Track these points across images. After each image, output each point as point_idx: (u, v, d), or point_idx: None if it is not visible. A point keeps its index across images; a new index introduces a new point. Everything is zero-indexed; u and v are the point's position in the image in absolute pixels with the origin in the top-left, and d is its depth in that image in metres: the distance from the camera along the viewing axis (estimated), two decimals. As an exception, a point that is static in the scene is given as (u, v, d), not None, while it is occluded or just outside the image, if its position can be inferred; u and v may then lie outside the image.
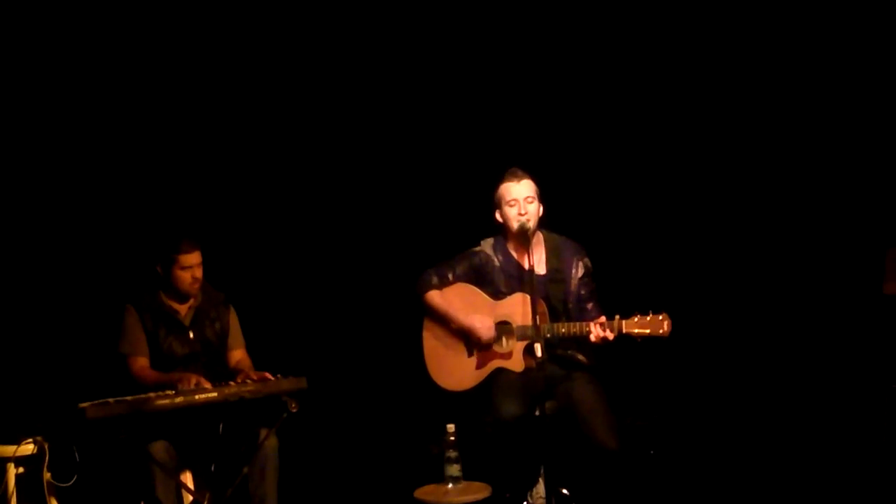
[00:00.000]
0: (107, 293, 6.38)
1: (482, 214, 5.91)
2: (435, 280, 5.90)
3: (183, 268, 5.85)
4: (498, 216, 5.84)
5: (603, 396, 5.65)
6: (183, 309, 5.96)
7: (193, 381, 5.63)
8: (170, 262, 5.85)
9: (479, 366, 5.84)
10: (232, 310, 6.10)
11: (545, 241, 5.87)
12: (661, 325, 5.48)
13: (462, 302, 5.88)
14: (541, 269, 5.80)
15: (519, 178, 5.76)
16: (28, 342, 6.48)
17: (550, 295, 5.77)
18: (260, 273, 6.89)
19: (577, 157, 6.98)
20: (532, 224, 5.74)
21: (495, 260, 5.85)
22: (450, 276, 5.90)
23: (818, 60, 6.76)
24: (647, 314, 5.50)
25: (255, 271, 6.86)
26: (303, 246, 7.04)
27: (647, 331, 5.48)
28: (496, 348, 5.81)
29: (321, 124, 7.07)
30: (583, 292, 5.82)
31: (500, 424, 5.60)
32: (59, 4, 6.56)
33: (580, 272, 5.84)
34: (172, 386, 5.59)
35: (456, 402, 5.87)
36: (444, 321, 5.89)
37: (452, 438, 5.49)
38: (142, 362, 5.84)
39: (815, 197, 6.79)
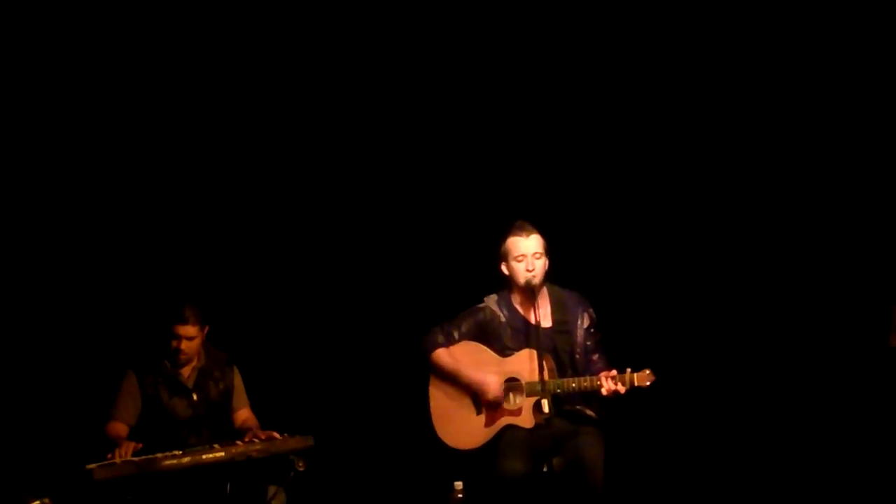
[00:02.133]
0: (115, 355, 6.37)
1: (486, 268, 5.93)
2: (441, 339, 5.87)
3: (173, 336, 5.88)
4: (503, 269, 5.84)
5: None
6: (186, 371, 5.97)
7: (123, 450, 5.56)
8: (167, 328, 5.88)
9: (489, 423, 5.80)
10: (235, 369, 6.11)
11: (549, 293, 5.88)
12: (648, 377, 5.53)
13: (470, 359, 5.86)
14: (546, 322, 5.81)
15: (528, 233, 5.77)
16: (35, 404, 6.49)
17: (557, 347, 5.77)
18: (265, 332, 6.88)
19: (579, 209, 6.97)
20: (538, 280, 5.74)
21: (501, 315, 5.85)
22: (455, 335, 5.88)
23: (824, 106, 6.76)
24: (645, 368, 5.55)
25: (260, 330, 6.85)
26: (308, 303, 7.02)
27: (647, 383, 5.53)
28: (505, 405, 5.78)
29: (324, 177, 7.07)
30: (588, 343, 5.83)
31: (502, 483, 5.59)
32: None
33: (586, 323, 5.85)
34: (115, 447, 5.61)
35: (464, 459, 5.84)
36: (452, 379, 5.85)
37: (460, 496, 5.47)
38: (118, 427, 5.86)
39: (822, 249, 6.78)
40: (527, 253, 5.75)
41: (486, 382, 5.76)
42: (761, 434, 6.76)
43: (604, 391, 5.54)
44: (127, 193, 6.83)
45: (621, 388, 5.53)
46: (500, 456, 5.65)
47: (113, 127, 6.79)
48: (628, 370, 5.55)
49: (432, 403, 5.92)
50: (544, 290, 5.85)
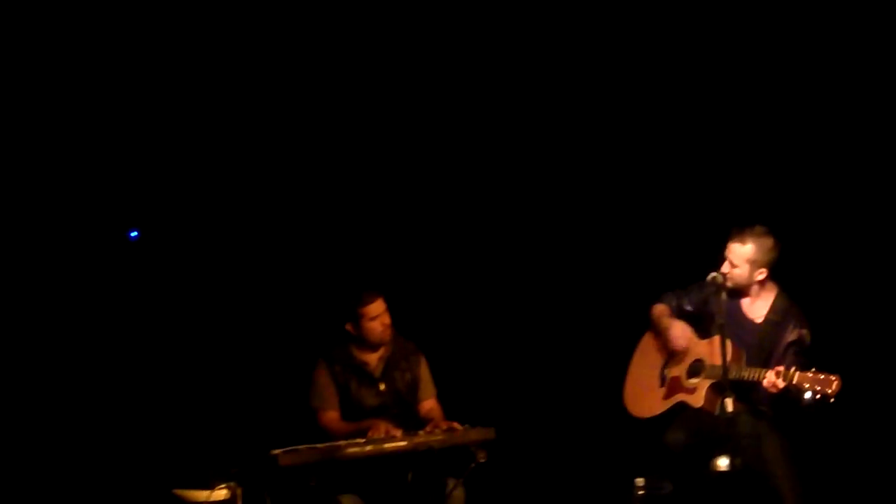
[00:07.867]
0: (300, 345, 6.51)
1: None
2: (673, 301, 6.01)
3: (371, 318, 5.94)
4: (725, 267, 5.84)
5: (793, 459, 5.60)
6: (373, 360, 6.04)
7: (383, 428, 5.69)
8: (357, 317, 5.95)
9: (666, 396, 5.89)
10: (423, 359, 6.15)
11: (776, 296, 5.85)
12: (829, 384, 5.35)
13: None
14: (759, 316, 5.81)
15: (744, 241, 5.76)
16: (223, 390, 6.68)
17: (756, 343, 5.73)
18: (449, 321, 6.91)
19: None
20: (732, 283, 5.72)
21: (723, 294, 5.79)
22: (685, 301, 5.99)
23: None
24: (821, 372, 5.39)
25: (444, 319, 6.89)
26: (492, 296, 7.04)
27: (817, 387, 5.36)
28: (685, 383, 5.83)
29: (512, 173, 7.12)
30: (787, 357, 5.72)
31: (664, 450, 5.71)
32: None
33: (792, 337, 5.77)
34: (363, 434, 5.67)
35: (640, 428, 5.88)
36: (655, 327, 5.99)
37: (641, 492, 5.43)
38: (332, 415, 5.95)
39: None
40: (733, 259, 5.77)
41: (673, 332, 5.88)
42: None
43: (765, 382, 5.49)
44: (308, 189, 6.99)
45: (780, 383, 5.43)
46: (669, 426, 5.77)
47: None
48: (793, 368, 5.45)
49: (630, 368, 6.08)
50: (774, 290, 5.85)
